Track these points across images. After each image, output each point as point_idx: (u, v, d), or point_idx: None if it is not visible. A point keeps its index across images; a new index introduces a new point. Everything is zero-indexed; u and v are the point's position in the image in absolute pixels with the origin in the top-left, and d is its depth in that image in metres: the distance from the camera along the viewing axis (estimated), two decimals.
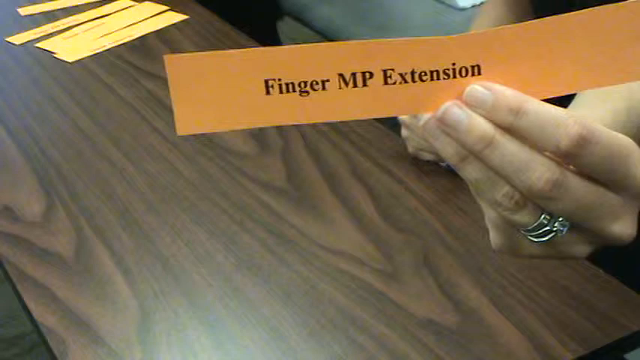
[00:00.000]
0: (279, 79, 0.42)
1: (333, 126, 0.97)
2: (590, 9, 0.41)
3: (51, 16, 1.31)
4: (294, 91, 0.42)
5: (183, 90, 0.42)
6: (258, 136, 0.96)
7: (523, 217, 0.43)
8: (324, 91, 0.42)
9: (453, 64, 0.42)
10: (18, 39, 1.25)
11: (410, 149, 0.89)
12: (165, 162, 0.93)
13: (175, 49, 1.17)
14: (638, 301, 0.69)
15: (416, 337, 0.68)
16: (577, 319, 0.68)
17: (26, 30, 1.27)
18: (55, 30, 1.27)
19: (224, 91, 0.42)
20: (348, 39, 1.78)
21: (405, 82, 0.42)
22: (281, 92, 0.42)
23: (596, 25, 0.41)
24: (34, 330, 0.74)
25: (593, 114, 0.49)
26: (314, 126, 0.97)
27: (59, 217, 0.85)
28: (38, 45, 1.23)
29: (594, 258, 0.72)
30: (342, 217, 0.82)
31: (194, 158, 0.93)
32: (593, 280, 0.72)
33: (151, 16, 1.30)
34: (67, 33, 1.26)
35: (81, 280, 0.77)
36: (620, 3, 0.41)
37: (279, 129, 0.97)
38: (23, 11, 1.33)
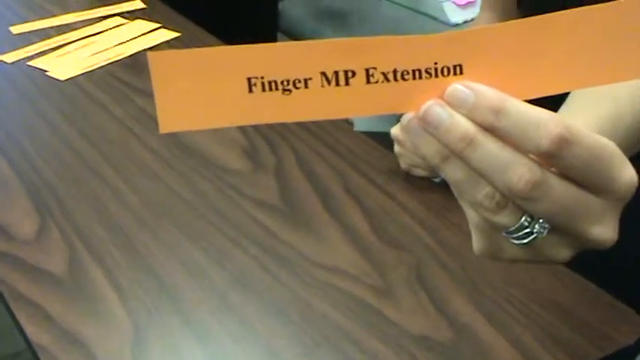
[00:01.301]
0: (262, 77, 0.42)
1: (326, 142, 0.97)
2: (575, 9, 0.41)
3: (43, 35, 1.31)
4: (276, 89, 0.42)
5: (166, 87, 0.42)
6: (251, 153, 0.96)
7: (504, 218, 0.43)
8: (306, 90, 0.42)
9: (435, 64, 0.42)
10: (10, 57, 1.25)
11: (402, 165, 0.89)
12: (158, 180, 0.93)
13: None
14: (631, 316, 0.70)
15: (410, 353, 0.68)
16: (570, 335, 0.68)
17: (18, 48, 1.27)
18: (47, 48, 1.27)
19: (207, 88, 0.42)
20: None
21: (388, 80, 0.42)
22: (263, 90, 0.42)
23: (580, 25, 0.41)
24: (27, 348, 0.74)
25: (578, 121, 0.49)
26: (306, 143, 0.97)
27: (52, 235, 0.85)
28: (30, 63, 1.23)
29: (584, 271, 0.73)
30: (335, 234, 0.82)
31: (187, 176, 0.93)
32: (586, 296, 0.72)
33: (143, 34, 1.30)
34: (60, 51, 1.26)
35: (74, 298, 0.77)
36: (604, 4, 0.41)
37: (272, 146, 0.97)
38: (15, 29, 1.34)
